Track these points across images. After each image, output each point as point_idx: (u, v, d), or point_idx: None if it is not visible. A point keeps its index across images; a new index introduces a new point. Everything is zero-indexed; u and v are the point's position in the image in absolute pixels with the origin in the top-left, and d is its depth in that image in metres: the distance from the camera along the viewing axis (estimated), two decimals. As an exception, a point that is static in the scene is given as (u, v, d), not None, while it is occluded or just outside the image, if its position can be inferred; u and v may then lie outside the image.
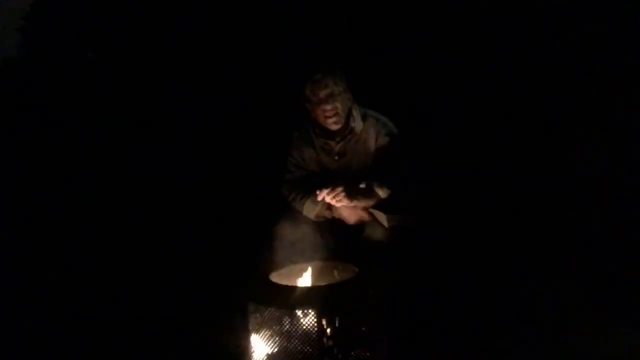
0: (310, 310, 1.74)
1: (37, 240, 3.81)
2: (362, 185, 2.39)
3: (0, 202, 4.25)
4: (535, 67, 3.74)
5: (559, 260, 3.00)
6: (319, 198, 2.37)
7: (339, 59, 2.73)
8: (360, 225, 2.41)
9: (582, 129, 3.60)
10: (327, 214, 2.46)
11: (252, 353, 1.86)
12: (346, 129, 2.46)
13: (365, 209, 2.40)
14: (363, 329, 1.79)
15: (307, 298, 1.80)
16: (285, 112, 2.92)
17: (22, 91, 5.18)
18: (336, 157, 2.50)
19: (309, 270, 2.06)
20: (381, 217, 2.34)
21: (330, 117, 2.40)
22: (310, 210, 2.45)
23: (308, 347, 1.74)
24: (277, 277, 1.96)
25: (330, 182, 2.42)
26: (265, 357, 1.81)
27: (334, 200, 2.33)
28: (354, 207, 2.39)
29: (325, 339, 1.72)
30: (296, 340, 1.75)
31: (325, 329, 1.73)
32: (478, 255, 3.10)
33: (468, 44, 3.86)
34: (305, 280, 2.04)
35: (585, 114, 3.61)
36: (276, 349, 1.79)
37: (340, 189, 2.32)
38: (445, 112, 3.82)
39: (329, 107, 2.38)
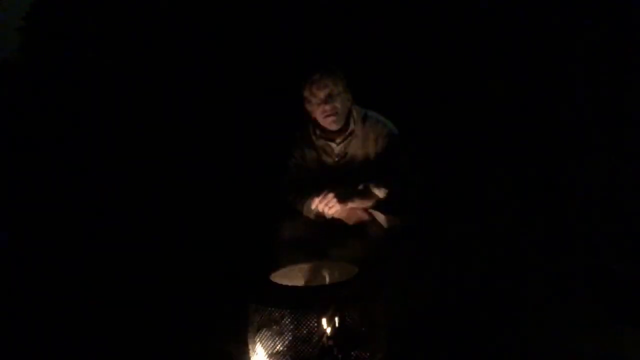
0: (310, 310, 1.74)
1: (37, 240, 3.81)
2: (360, 187, 2.40)
3: (0, 202, 4.26)
4: (535, 67, 3.75)
5: (558, 260, 3.00)
6: (313, 207, 2.37)
7: (339, 59, 2.73)
8: (360, 226, 2.41)
9: (582, 129, 3.61)
10: (326, 213, 2.46)
11: (252, 353, 1.86)
12: (346, 130, 2.46)
13: (365, 209, 2.40)
14: (363, 329, 1.79)
15: (307, 298, 1.80)
16: (286, 113, 2.92)
17: (22, 91, 5.18)
18: (336, 158, 2.50)
19: (309, 270, 2.06)
20: (381, 217, 2.34)
21: (329, 116, 2.40)
22: (310, 210, 2.45)
23: (308, 347, 1.74)
24: (277, 277, 1.96)
25: (330, 183, 2.42)
26: (266, 357, 1.82)
27: (327, 208, 2.34)
28: (352, 208, 2.39)
29: (325, 339, 1.72)
30: (296, 340, 1.75)
31: (325, 329, 1.73)
32: (478, 255, 3.10)
33: (468, 44, 3.86)
34: (305, 280, 2.04)
35: (586, 113, 3.61)
36: (276, 349, 1.79)
37: (330, 195, 2.33)
38: (445, 112, 3.82)
39: (328, 107, 2.38)
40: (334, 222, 2.45)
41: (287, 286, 1.91)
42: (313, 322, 1.73)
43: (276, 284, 1.91)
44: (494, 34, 3.83)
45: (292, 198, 2.53)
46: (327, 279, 2.02)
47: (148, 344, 2.42)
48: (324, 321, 1.73)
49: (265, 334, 1.80)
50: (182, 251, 3.47)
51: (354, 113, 2.47)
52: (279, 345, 1.78)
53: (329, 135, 2.48)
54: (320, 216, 2.45)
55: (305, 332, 1.74)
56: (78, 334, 2.56)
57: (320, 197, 2.36)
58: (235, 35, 4.40)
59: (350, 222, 2.44)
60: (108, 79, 4.80)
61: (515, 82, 3.78)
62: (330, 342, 1.72)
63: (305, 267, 2.07)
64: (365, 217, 2.40)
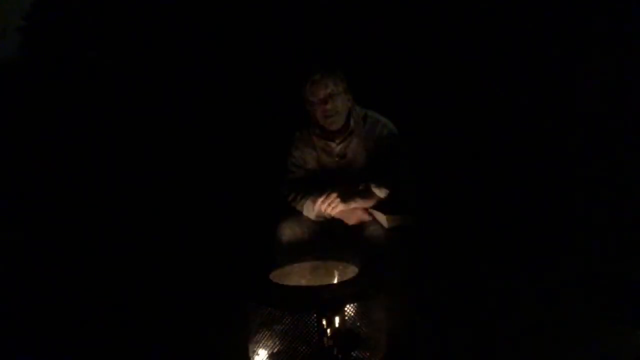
0: (310, 310, 1.74)
1: (38, 240, 3.81)
2: (361, 187, 2.40)
3: (0, 201, 4.26)
4: (535, 67, 3.75)
5: (558, 260, 3.00)
6: (315, 207, 2.38)
7: (339, 59, 2.73)
8: (360, 225, 2.41)
9: (581, 128, 3.61)
10: (327, 214, 2.46)
11: (252, 353, 1.86)
12: (346, 130, 2.46)
13: (365, 209, 2.40)
14: (363, 329, 1.79)
15: (307, 298, 1.80)
16: (286, 113, 2.92)
17: (22, 91, 5.18)
18: (337, 158, 2.50)
19: (309, 270, 2.06)
20: (381, 217, 2.35)
21: (329, 116, 2.40)
22: (310, 211, 2.45)
23: (308, 347, 1.74)
24: (277, 277, 1.96)
25: (330, 183, 2.42)
26: (266, 357, 1.82)
27: (330, 208, 2.35)
28: (352, 208, 2.39)
29: (325, 339, 1.72)
30: (296, 340, 1.75)
31: (325, 329, 1.73)
32: (478, 255, 3.10)
33: (468, 44, 3.86)
34: (305, 280, 2.04)
35: (586, 113, 3.61)
36: (276, 349, 1.79)
37: (333, 195, 2.34)
38: (445, 112, 3.82)
39: (328, 107, 2.38)
40: (334, 222, 2.45)
41: (287, 286, 1.91)
42: (313, 322, 1.73)
43: (276, 284, 1.91)
44: (494, 34, 3.83)
45: (292, 198, 2.53)
46: (327, 279, 2.02)
47: (148, 344, 2.42)
48: (324, 321, 1.73)
49: (265, 334, 1.80)
50: (182, 251, 3.47)
51: (354, 113, 2.47)
52: (279, 345, 1.78)
53: (329, 135, 2.48)
54: (320, 216, 2.45)
55: (305, 332, 1.74)
56: (78, 334, 2.56)
57: (323, 197, 2.36)
58: (235, 35, 4.40)
59: (351, 222, 2.43)
60: (108, 79, 4.80)
61: (515, 82, 3.78)
62: (330, 342, 1.72)
63: (305, 267, 2.08)
64: (365, 217, 2.40)
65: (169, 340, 2.44)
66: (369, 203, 2.39)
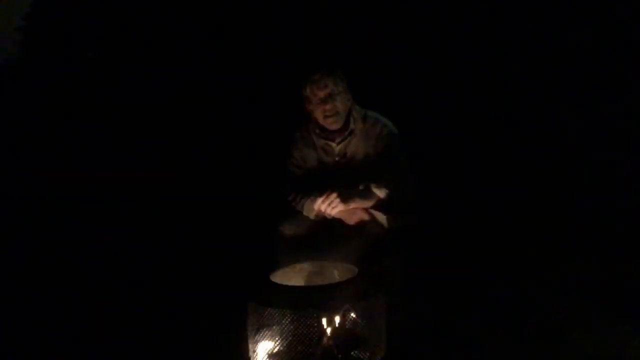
0: (310, 310, 1.74)
1: (38, 240, 3.81)
2: (361, 187, 2.40)
3: (0, 201, 4.26)
4: (535, 67, 3.75)
5: (559, 260, 3.00)
6: (315, 207, 2.38)
7: (339, 59, 2.73)
8: (360, 225, 2.41)
9: (582, 129, 3.61)
10: (327, 214, 2.46)
11: (252, 353, 1.86)
12: (346, 130, 2.46)
13: (365, 209, 2.40)
14: (363, 329, 1.79)
15: (307, 298, 1.80)
16: (286, 112, 2.92)
17: (22, 91, 5.18)
18: (337, 158, 2.50)
19: (309, 270, 2.06)
20: (381, 217, 2.34)
21: (329, 116, 2.40)
22: (310, 210, 2.45)
23: (308, 347, 1.74)
24: (277, 277, 1.96)
25: (330, 183, 2.42)
26: (266, 357, 1.81)
27: (330, 208, 2.35)
28: (352, 208, 2.39)
29: (325, 339, 1.72)
30: (296, 340, 1.75)
31: (325, 329, 1.73)
32: (477, 255, 3.10)
33: (468, 44, 3.86)
34: (305, 280, 2.04)
35: (586, 114, 3.61)
36: (276, 349, 1.79)
37: (333, 195, 2.34)
38: (444, 112, 3.83)
39: (328, 107, 2.38)
40: (334, 222, 2.45)
41: (287, 286, 1.91)
42: (313, 322, 1.73)
43: (276, 284, 1.91)
44: (494, 34, 3.83)
45: (292, 198, 2.53)
46: (327, 279, 2.02)
47: (148, 344, 2.42)
48: (324, 321, 1.73)
49: (265, 334, 1.80)
50: (182, 252, 3.47)
51: (354, 113, 2.47)
52: (279, 346, 1.78)
53: (329, 135, 2.48)
54: (320, 216, 2.45)
55: (305, 332, 1.74)
56: (78, 334, 2.56)
57: (323, 197, 2.36)
58: (235, 35, 4.40)
59: (350, 222, 2.43)
60: (108, 79, 4.80)
61: (515, 83, 3.78)
62: (330, 342, 1.72)
63: (305, 267, 2.07)
64: (365, 217, 2.40)
65: (170, 340, 2.44)
66: (369, 203, 2.39)
